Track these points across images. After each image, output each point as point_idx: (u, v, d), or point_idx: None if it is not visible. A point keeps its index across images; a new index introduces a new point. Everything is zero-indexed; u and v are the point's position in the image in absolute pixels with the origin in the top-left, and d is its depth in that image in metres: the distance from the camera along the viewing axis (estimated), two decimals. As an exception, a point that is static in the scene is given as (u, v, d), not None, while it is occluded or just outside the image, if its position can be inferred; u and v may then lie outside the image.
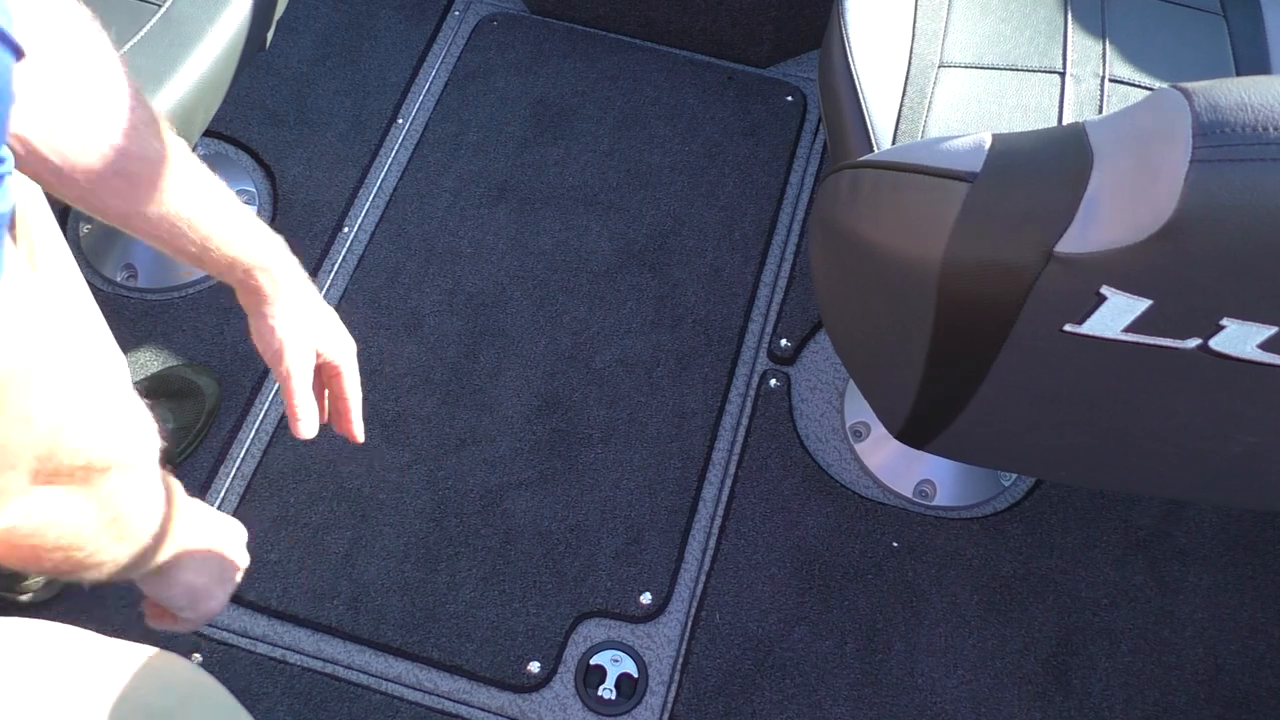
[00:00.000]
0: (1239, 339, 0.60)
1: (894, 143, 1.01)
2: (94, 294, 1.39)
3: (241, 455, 1.31)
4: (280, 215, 1.49)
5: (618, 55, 1.64)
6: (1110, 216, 0.56)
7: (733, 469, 1.32)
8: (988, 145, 0.67)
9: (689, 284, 1.45)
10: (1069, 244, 0.58)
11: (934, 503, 1.31)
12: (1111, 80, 1.04)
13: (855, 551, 1.27)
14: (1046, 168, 0.62)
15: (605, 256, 1.46)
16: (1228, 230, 0.52)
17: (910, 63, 1.04)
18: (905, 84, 1.03)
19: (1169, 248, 0.54)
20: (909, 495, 1.31)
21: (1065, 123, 1.02)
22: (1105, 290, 0.59)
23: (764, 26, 1.58)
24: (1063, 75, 1.04)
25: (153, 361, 1.35)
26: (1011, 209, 0.62)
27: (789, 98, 1.60)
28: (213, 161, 1.51)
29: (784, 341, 1.41)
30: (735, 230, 1.49)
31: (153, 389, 1.30)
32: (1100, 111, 1.02)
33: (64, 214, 1.47)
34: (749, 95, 1.60)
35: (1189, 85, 0.54)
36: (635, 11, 1.62)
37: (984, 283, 0.64)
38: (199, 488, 1.28)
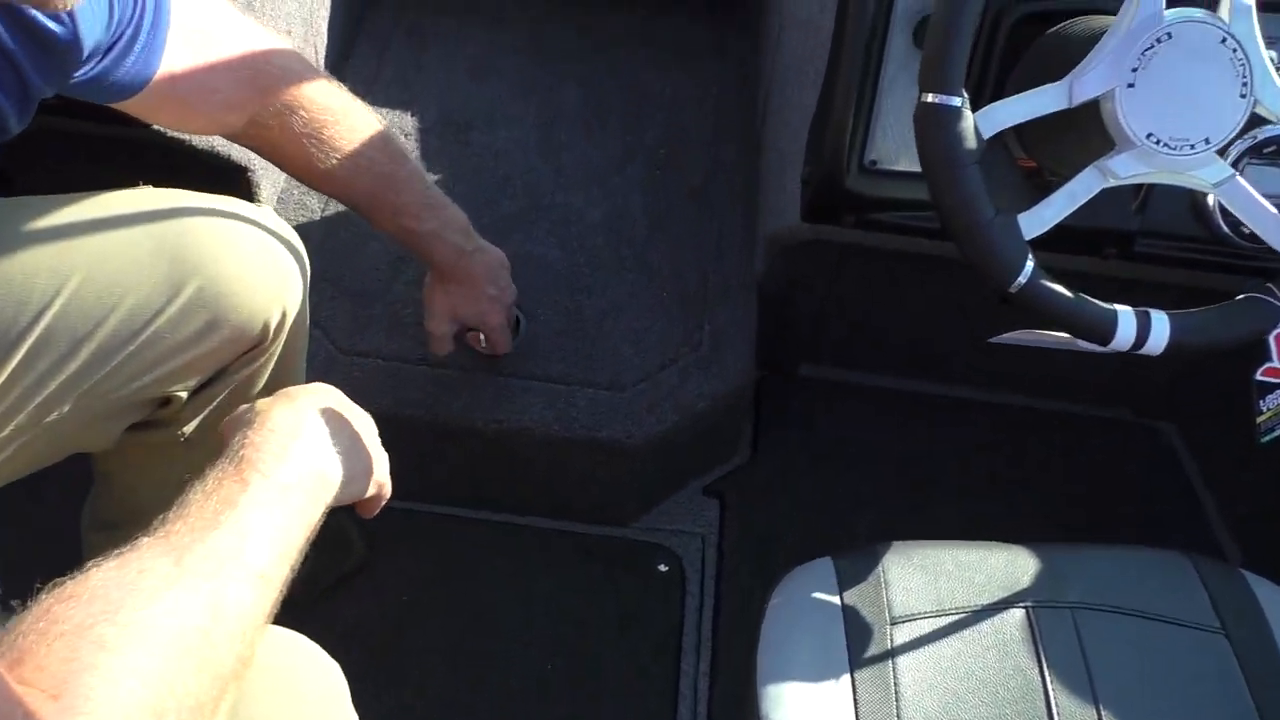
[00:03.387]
0: None
1: None
2: None
3: None
4: None
5: (448, 539, 1.32)
6: None
7: None
8: None
9: None
10: None
11: None
12: (1112, 745, 0.80)
13: None
14: None
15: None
16: None
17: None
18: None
19: None
20: None
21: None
22: None
23: (621, 484, 1.31)
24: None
25: None
26: None
27: (662, 566, 1.32)
28: None
29: None
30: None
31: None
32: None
33: None
34: (613, 570, 1.31)
35: None
36: (463, 477, 1.32)
37: None
38: None
